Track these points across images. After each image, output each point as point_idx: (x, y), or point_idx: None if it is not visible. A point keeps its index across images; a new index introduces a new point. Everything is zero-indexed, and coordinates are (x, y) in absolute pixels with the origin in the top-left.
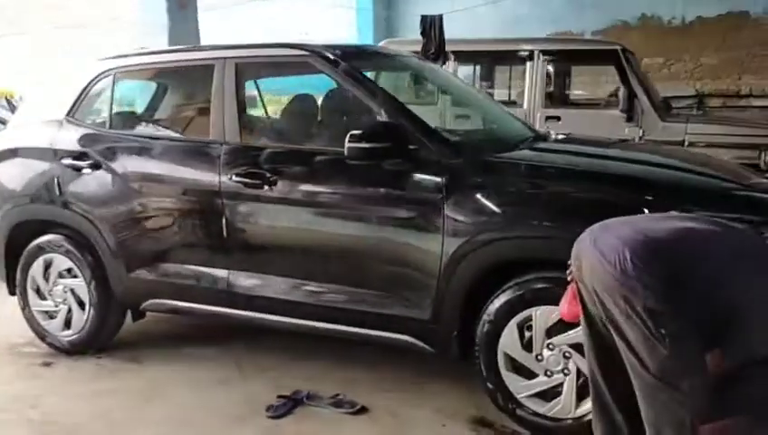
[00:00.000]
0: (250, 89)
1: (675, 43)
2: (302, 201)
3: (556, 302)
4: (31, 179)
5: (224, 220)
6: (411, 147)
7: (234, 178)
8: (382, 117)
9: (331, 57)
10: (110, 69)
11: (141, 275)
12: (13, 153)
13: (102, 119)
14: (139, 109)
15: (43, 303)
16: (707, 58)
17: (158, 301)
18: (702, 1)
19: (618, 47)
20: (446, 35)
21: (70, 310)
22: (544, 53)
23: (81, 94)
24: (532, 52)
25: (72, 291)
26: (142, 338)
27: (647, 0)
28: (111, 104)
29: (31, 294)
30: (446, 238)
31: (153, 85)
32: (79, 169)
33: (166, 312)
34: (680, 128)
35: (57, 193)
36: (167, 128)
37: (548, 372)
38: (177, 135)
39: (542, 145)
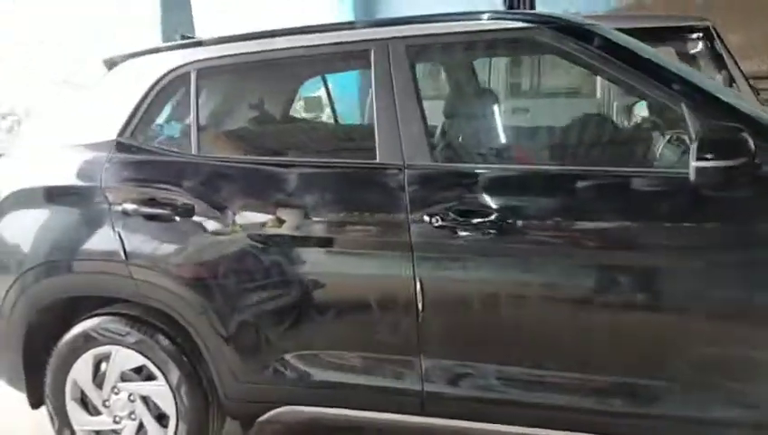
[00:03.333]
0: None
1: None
2: (587, 250)
3: None
4: (67, 235)
5: (416, 287)
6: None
7: (435, 220)
8: (700, 117)
9: (578, 29)
10: (187, 64)
11: (269, 370)
12: (32, 196)
13: (181, 138)
14: (240, 121)
15: (95, 420)
16: (733, 36)
17: (293, 408)
18: None
19: (709, 23)
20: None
21: (141, 427)
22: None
23: (141, 103)
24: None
25: (146, 400)
26: None
27: None
28: (196, 116)
29: (72, 408)
30: None
31: (257, 86)
32: (153, 217)
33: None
34: None
35: (117, 254)
36: (290, 149)
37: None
38: (316, 160)
39: None
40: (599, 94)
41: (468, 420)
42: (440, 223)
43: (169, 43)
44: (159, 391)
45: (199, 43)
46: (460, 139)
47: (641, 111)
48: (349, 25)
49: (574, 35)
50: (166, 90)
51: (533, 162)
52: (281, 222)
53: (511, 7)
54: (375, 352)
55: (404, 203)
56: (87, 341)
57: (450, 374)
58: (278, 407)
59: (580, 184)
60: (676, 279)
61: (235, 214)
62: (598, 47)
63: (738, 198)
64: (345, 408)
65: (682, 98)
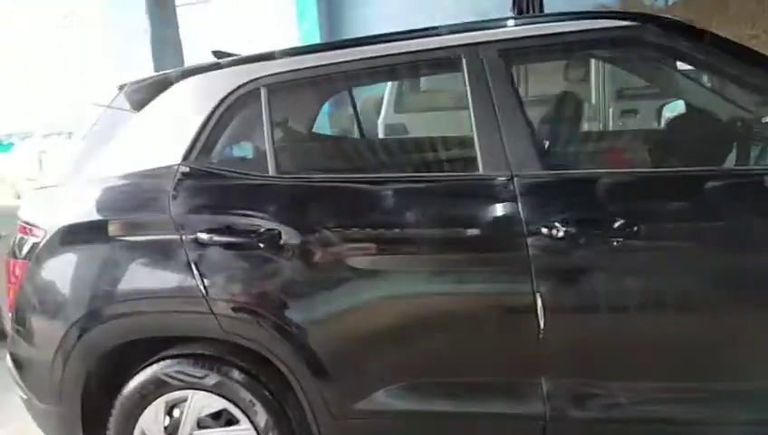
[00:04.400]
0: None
1: None
2: (722, 253)
3: None
4: (131, 272)
5: (536, 303)
6: None
7: (554, 231)
8: None
9: (684, 26)
10: (256, 79)
11: (373, 404)
12: (86, 232)
13: (255, 158)
14: (321, 136)
15: None
16: None
17: None
18: None
19: None
20: None
21: None
22: None
23: (206, 124)
24: None
25: None
26: None
27: None
28: (271, 134)
29: None
30: None
31: (336, 100)
32: (234, 246)
33: None
34: None
35: (195, 289)
36: (380, 164)
37: None
38: (412, 175)
39: None
40: (593, 99)
41: None
42: (560, 234)
43: (231, 59)
44: None
45: (268, 57)
46: (570, 143)
47: (672, 111)
48: (433, 32)
49: (682, 33)
50: (233, 108)
51: (649, 165)
52: (379, 243)
53: (520, 11)
54: (491, 376)
55: (517, 215)
56: (158, 386)
57: (575, 395)
58: None
59: (709, 185)
60: None
61: (327, 238)
62: (707, 44)
63: None
64: None
65: None
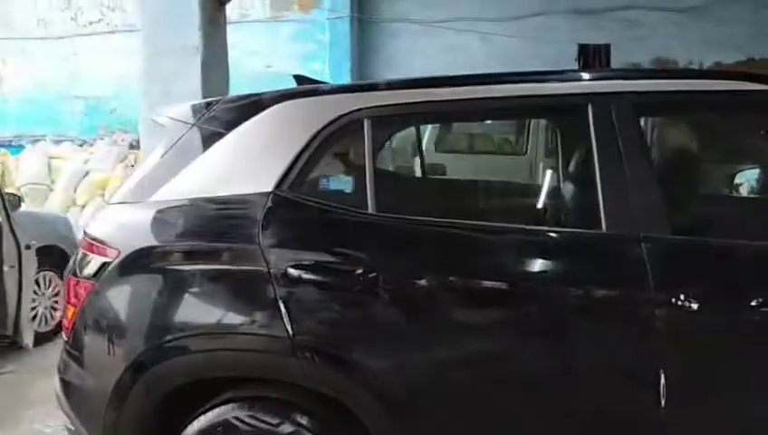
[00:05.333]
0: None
1: None
2: None
3: None
4: (208, 303)
5: (659, 377)
6: None
7: (686, 302)
8: None
9: None
10: (360, 109)
11: None
12: (161, 256)
13: (354, 192)
14: (427, 177)
15: None
16: None
17: None
18: (720, 47)
19: None
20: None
21: None
22: None
23: (303, 151)
24: None
25: None
26: None
27: (660, 44)
28: (373, 168)
29: None
30: None
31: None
32: (327, 286)
33: None
34: None
35: (280, 327)
36: (484, 210)
37: None
38: (522, 226)
39: None
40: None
41: None
42: (693, 306)
43: (334, 86)
44: None
45: (373, 87)
46: (698, 207)
47: (745, 178)
48: (557, 76)
49: None
50: (333, 137)
51: None
52: (485, 297)
53: (585, 64)
54: None
55: (645, 281)
56: (227, 430)
57: None
58: None
59: None
60: None
61: (430, 286)
62: None
63: None
64: None
65: None
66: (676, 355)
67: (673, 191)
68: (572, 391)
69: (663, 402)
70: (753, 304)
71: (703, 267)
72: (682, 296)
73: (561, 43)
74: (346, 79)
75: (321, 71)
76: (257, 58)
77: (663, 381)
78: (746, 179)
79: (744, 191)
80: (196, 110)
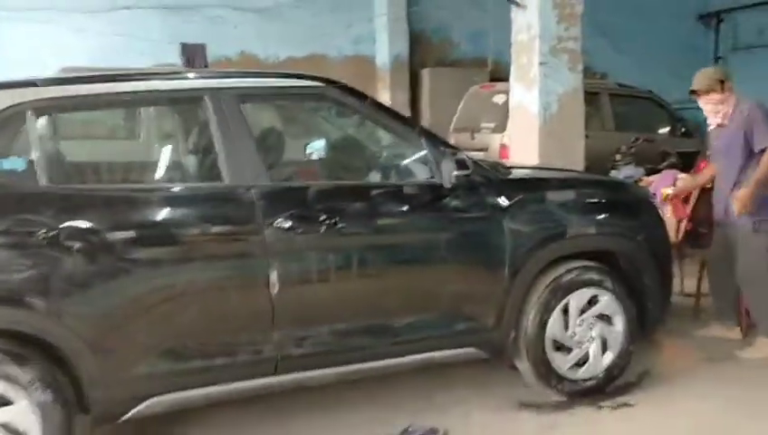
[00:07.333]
0: None
1: None
2: None
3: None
4: None
5: (271, 273)
6: None
7: (284, 222)
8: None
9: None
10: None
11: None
12: None
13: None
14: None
15: None
16: None
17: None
18: (291, 44)
19: None
20: None
21: None
22: None
23: None
24: None
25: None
26: None
27: (244, 40)
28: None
29: None
30: None
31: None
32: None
33: None
34: None
35: None
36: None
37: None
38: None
39: None
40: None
41: None
42: (285, 225)
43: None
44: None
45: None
46: (284, 166)
47: (313, 147)
48: (181, 75)
49: (352, 93)
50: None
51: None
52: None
53: (188, 60)
54: (235, 334)
55: (255, 213)
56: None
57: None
58: None
59: (361, 193)
60: None
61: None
62: (368, 102)
63: None
64: None
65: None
66: (281, 258)
67: (268, 155)
68: (217, 294)
69: (275, 291)
70: (321, 218)
71: (290, 201)
72: (279, 220)
73: (155, 41)
74: None
75: None
76: None
77: (274, 276)
78: (314, 148)
79: (314, 156)
80: None
